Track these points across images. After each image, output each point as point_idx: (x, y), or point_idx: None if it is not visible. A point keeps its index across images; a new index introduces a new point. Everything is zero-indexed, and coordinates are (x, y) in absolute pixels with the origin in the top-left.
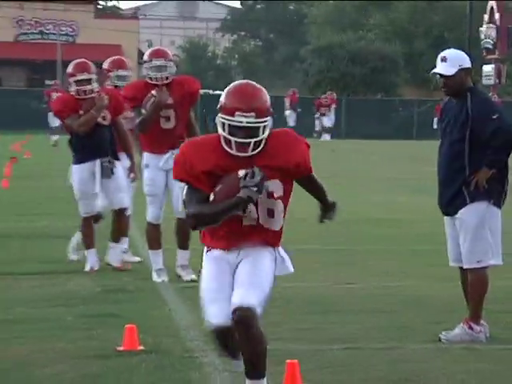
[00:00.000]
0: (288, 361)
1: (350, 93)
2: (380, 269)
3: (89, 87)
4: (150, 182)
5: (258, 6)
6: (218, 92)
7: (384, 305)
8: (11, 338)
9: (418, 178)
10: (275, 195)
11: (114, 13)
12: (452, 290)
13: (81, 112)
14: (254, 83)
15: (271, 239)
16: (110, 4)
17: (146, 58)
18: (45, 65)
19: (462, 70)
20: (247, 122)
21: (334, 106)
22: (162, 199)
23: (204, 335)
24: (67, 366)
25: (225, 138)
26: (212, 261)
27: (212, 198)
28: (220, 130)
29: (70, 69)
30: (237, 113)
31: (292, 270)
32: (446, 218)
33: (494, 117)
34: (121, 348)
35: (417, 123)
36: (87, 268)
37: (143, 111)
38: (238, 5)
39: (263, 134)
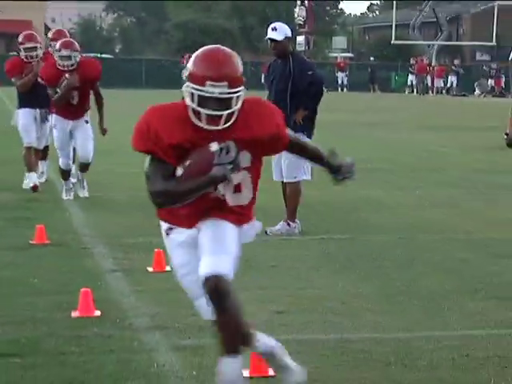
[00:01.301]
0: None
1: None
2: None
3: (35, 53)
4: (59, 139)
5: None
6: (104, 55)
7: None
8: None
9: None
10: (242, 166)
11: None
12: None
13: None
14: (226, 48)
15: (237, 218)
16: None
17: (57, 46)
18: None
19: (287, 38)
20: (219, 93)
21: None
22: (68, 151)
23: (94, 233)
24: None
25: (193, 109)
26: (178, 249)
27: (180, 173)
28: (188, 101)
29: (20, 38)
30: (207, 82)
31: (251, 239)
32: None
33: (310, 73)
34: (33, 242)
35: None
36: (31, 184)
37: (57, 90)
38: None
39: (236, 105)
